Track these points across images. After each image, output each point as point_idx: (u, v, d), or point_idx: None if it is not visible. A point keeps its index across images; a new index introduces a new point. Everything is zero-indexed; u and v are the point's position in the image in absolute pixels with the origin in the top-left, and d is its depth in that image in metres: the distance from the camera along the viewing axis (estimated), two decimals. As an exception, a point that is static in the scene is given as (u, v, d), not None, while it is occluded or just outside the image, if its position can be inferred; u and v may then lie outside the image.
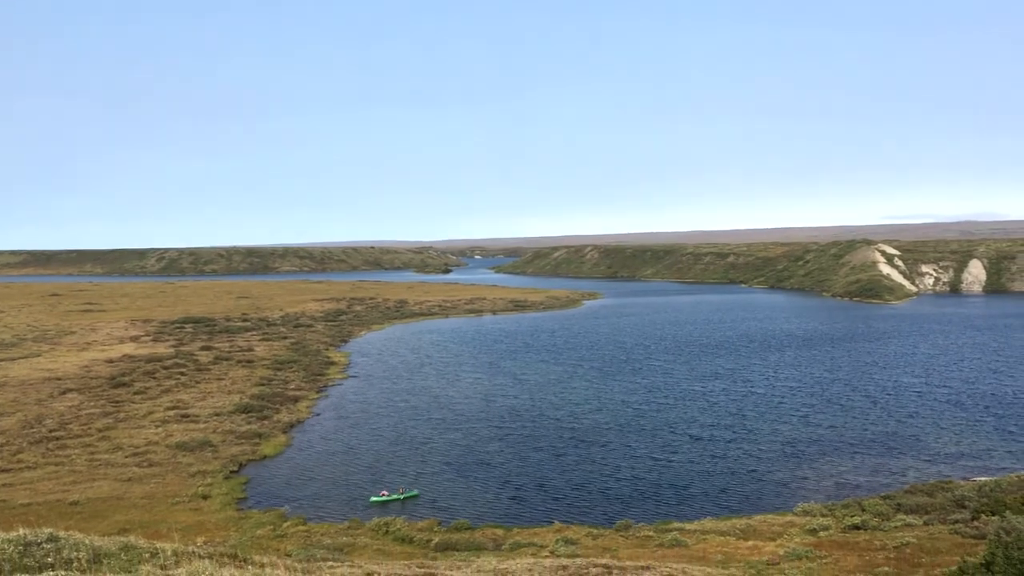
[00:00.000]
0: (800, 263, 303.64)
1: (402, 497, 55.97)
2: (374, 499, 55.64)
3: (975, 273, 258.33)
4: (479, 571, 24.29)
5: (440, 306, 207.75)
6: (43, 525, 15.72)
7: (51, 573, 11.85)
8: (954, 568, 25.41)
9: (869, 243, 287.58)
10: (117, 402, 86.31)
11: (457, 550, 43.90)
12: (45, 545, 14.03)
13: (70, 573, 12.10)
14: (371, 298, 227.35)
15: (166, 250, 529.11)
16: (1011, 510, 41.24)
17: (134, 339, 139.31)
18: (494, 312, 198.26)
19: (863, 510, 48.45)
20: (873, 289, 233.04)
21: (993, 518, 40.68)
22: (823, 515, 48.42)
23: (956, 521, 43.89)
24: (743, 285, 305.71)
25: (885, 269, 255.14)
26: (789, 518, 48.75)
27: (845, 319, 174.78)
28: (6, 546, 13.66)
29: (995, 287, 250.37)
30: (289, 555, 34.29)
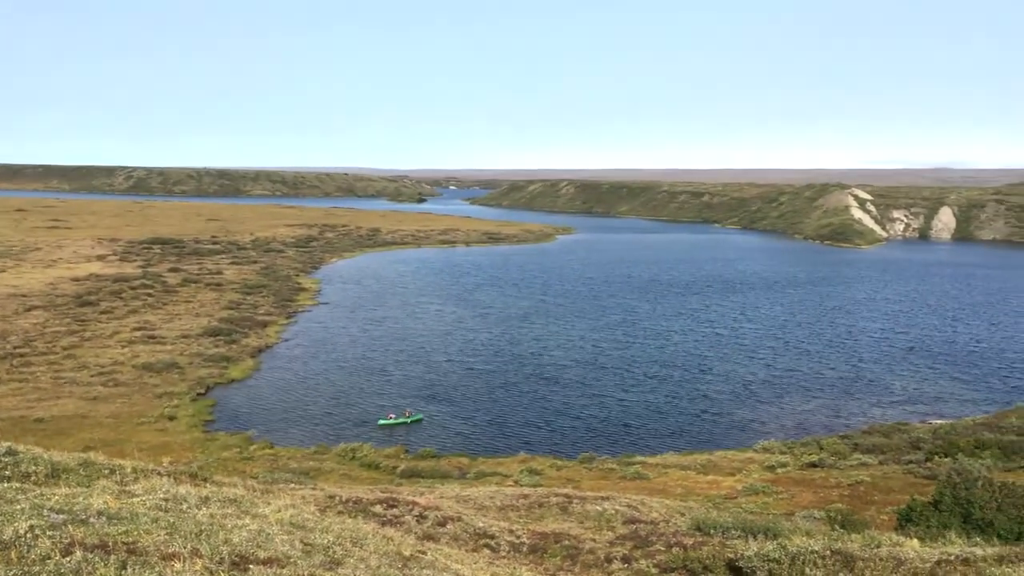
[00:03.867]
0: (774, 205, 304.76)
1: (408, 420, 57.56)
2: (382, 422, 56.85)
3: (945, 220, 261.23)
4: (442, 497, 24.57)
5: (413, 236, 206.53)
6: (5, 441, 15.49)
7: (6, 485, 11.70)
8: (903, 507, 26.19)
9: (843, 187, 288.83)
10: (83, 321, 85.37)
11: (422, 477, 44.42)
12: (3, 459, 13.86)
13: (25, 485, 11.96)
14: (343, 225, 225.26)
15: (134, 169, 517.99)
16: (963, 452, 42.52)
17: (101, 258, 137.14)
18: (467, 244, 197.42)
19: (821, 449, 49.72)
20: (844, 233, 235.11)
21: (946, 460, 41.94)
22: (782, 453, 49.68)
23: (910, 462, 45.21)
24: (717, 225, 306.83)
25: (857, 214, 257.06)
26: (749, 455, 50.04)
27: (813, 262, 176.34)
28: (-38, 460, 13.46)
29: (963, 235, 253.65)
30: (254, 477, 34.50)
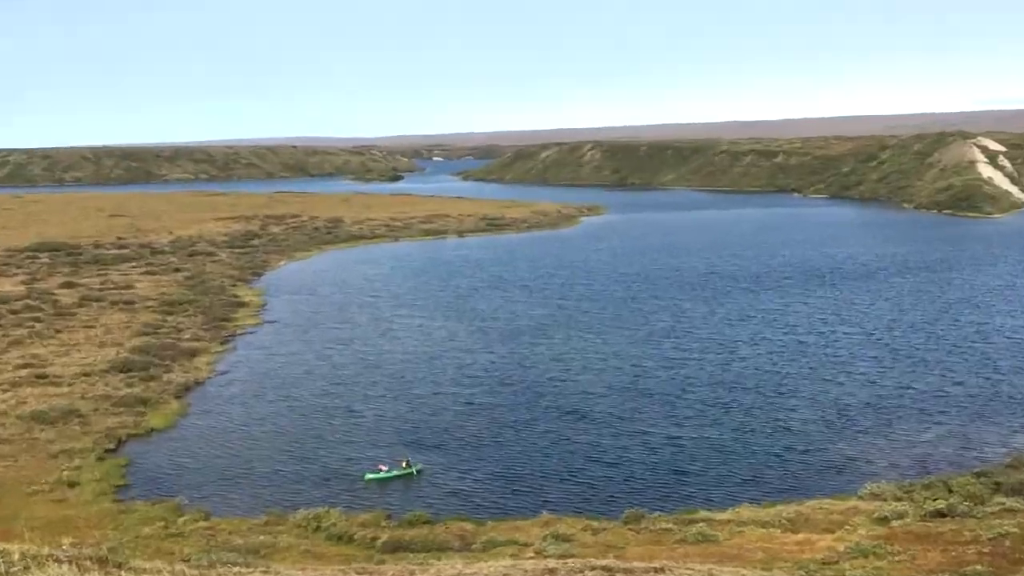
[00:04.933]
0: (873, 164, 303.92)
1: (407, 473, 57.63)
2: (370, 476, 57.38)
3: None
4: (439, 578, 24.57)
5: (387, 226, 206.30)
6: None
7: None
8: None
9: (965, 137, 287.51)
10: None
11: (412, 551, 44.27)
12: None
13: None
14: (293, 216, 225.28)
15: (9, 152, 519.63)
16: None
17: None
18: (460, 234, 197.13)
19: (950, 491, 49.24)
20: (969, 198, 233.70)
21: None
22: (897, 499, 49.17)
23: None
24: (796, 194, 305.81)
25: (986, 171, 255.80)
26: (852, 503, 49.54)
27: (928, 240, 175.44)
28: None
29: None
30: (186, 560, 34.54)
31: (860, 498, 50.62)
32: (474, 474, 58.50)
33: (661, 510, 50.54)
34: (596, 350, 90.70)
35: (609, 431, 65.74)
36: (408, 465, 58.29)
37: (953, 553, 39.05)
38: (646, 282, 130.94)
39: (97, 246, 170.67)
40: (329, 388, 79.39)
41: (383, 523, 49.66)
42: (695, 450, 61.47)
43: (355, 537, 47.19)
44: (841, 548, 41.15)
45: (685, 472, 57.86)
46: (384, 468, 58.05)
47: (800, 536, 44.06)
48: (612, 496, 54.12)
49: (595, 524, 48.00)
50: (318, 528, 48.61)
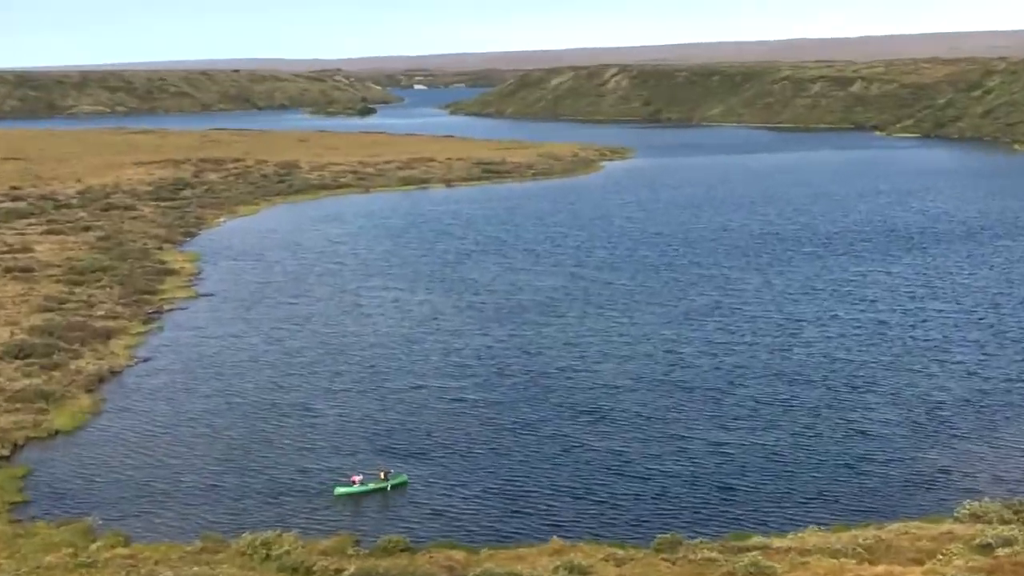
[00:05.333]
0: (976, 95, 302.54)
1: (387, 485, 57.79)
2: (341, 490, 57.50)
3: None
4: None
5: (355, 173, 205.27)
6: None
7: None
8: None
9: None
10: None
11: (387, 586, 44.44)
12: None
13: None
14: (235, 160, 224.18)
15: None
16: None
17: None
18: (448, 183, 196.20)
19: (1070, 513, 49.39)
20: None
21: None
22: (1004, 521, 49.19)
23: None
24: (878, 133, 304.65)
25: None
26: (947, 527, 49.41)
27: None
28: None
29: None
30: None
31: (957, 520, 50.63)
32: (465, 489, 58.02)
33: (703, 535, 50.34)
34: (620, 332, 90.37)
35: (636, 435, 65.46)
36: (386, 477, 58.40)
37: (1074, 590, 39.06)
38: (684, 245, 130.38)
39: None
40: (280, 380, 78.75)
41: (350, 550, 49.36)
42: (746, 459, 61.19)
43: (314, 569, 46.81)
44: (933, 584, 41.08)
45: (733, 488, 57.31)
46: (358, 480, 58.07)
47: (880, 569, 43.87)
48: (640, 518, 53.78)
49: (619, 553, 47.80)
50: (267, 557, 48.23)
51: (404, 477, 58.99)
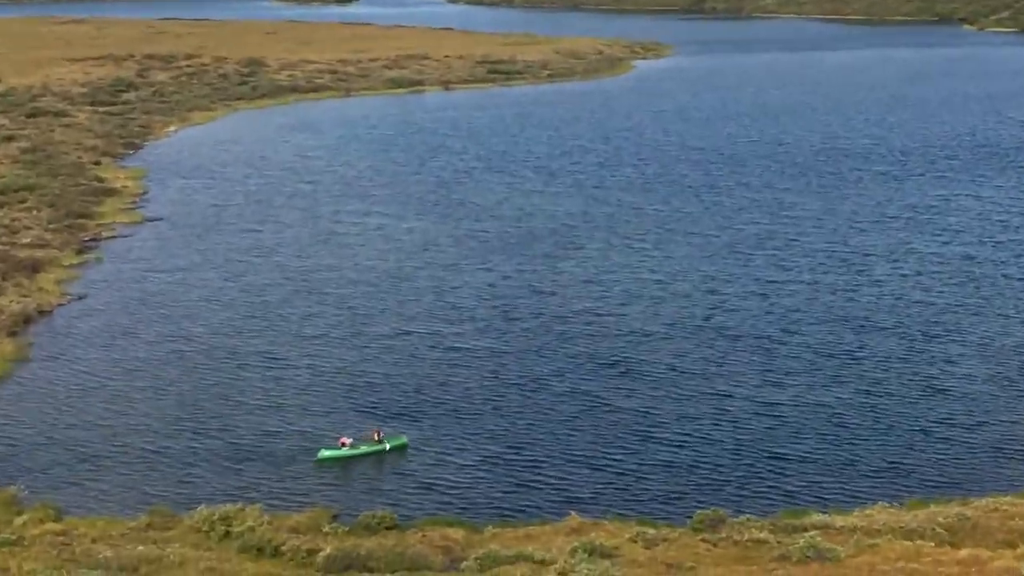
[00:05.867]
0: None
1: (384, 447, 58.38)
2: (326, 453, 57.65)
3: None
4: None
5: (334, 73, 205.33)
6: None
7: None
8: None
9: None
10: None
11: (370, 570, 44.47)
12: None
13: None
14: (188, 57, 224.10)
15: None
16: None
17: None
18: (445, 86, 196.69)
19: None
20: None
21: None
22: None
23: None
24: (966, 27, 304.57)
25: None
26: (1044, 505, 49.52)
27: None
28: None
29: None
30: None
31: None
32: (464, 456, 57.61)
33: (751, 512, 50.37)
34: (651, 268, 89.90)
35: (670, 393, 65.20)
36: (380, 438, 58.05)
37: None
38: (730, 163, 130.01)
39: None
40: (241, 324, 78.44)
41: (326, 527, 49.28)
42: (802, 423, 60.72)
43: (283, 548, 46.71)
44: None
45: (786, 457, 57.03)
46: (347, 442, 57.60)
47: (964, 553, 43.73)
48: (675, 491, 53.63)
49: (650, 532, 47.67)
50: (227, 534, 48.19)
51: (404, 439, 58.44)
